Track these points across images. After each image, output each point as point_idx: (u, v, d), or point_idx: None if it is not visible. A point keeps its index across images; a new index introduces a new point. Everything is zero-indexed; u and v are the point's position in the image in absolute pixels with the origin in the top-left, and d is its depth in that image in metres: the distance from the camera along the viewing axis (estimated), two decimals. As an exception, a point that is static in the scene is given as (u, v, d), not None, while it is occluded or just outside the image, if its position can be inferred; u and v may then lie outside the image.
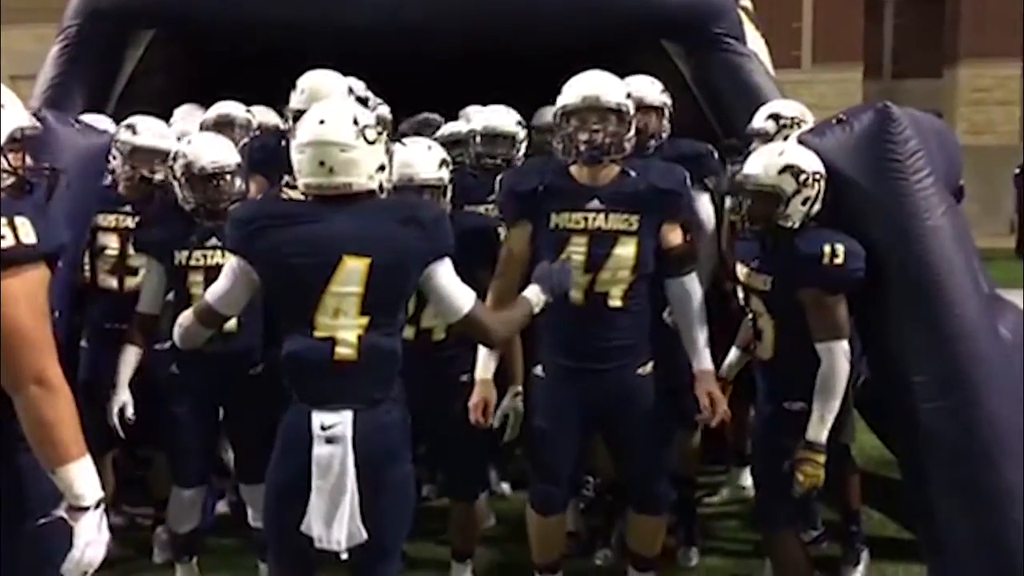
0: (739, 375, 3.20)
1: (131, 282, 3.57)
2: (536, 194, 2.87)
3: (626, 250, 2.83)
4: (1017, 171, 12.41)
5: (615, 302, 2.84)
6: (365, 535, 2.27)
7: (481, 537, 3.69)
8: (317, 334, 2.28)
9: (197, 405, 3.20)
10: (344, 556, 2.27)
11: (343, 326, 2.28)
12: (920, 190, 2.80)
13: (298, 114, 3.34)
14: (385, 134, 2.37)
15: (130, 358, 3.26)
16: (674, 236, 2.92)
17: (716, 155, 3.69)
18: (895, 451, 3.16)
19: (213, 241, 3.17)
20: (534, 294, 2.55)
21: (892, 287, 2.77)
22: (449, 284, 2.37)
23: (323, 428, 2.25)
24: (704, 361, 2.95)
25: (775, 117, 3.58)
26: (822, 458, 2.72)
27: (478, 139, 4.00)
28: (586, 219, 2.83)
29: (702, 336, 2.94)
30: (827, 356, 2.72)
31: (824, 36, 20.21)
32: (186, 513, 3.34)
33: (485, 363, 2.91)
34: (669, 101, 3.60)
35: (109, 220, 3.54)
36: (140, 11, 4.26)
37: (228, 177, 3.16)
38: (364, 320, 2.29)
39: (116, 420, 3.22)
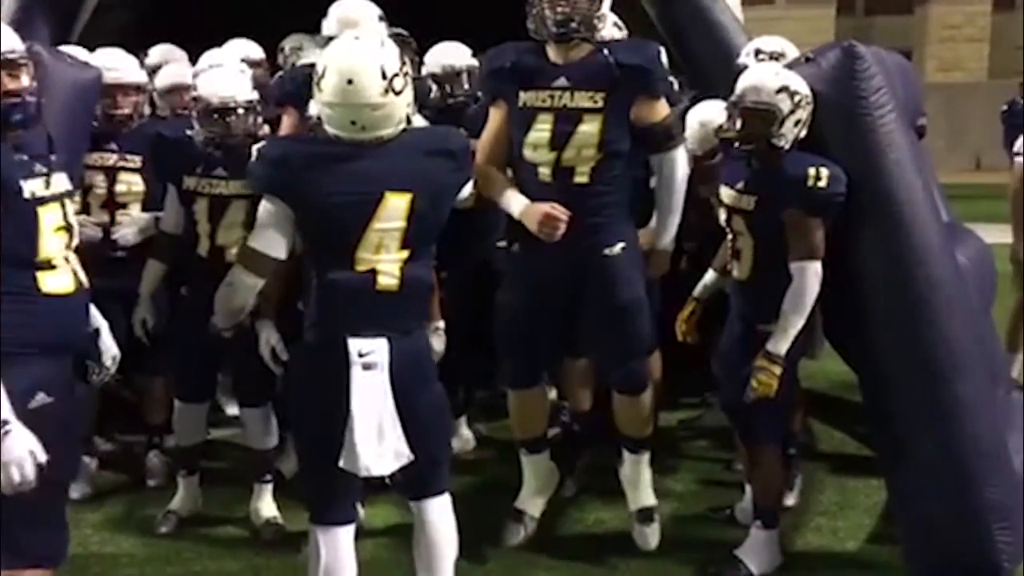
0: (716, 301, 3.31)
1: (122, 216, 3.65)
2: (507, 72, 2.91)
3: (590, 127, 2.82)
4: (1004, 108, 12.55)
5: (581, 179, 2.86)
6: (410, 455, 2.36)
7: (463, 461, 3.84)
8: (359, 268, 2.33)
9: (203, 327, 3.29)
10: (388, 480, 2.37)
11: (385, 260, 2.34)
12: (883, 125, 2.90)
13: (330, 41, 3.40)
14: (410, 73, 2.36)
15: (154, 272, 3.41)
16: (652, 112, 2.90)
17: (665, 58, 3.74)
18: (857, 371, 3.33)
19: (219, 171, 3.25)
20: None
21: (856, 216, 2.89)
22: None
23: (360, 355, 2.31)
24: (663, 238, 3.04)
25: (757, 52, 3.66)
26: (778, 369, 2.85)
27: (438, 80, 3.90)
28: (552, 97, 2.85)
29: (676, 212, 3.01)
30: (799, 275, 2.85)
31: (798, -28, 20.14)
32: (191, 426, 3.46)
33: (517, 200, 2.90)
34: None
35: (94, 158, 3.58)
36: (104, -59, 4.18)
37: (239, 112, 3.20)
38: (405, 254, 2.35)
39: (140, 331, 3.39)
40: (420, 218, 2.35)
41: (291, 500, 3.47)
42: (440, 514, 2.57)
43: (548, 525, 3.38)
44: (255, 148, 2.64)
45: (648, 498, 3.23)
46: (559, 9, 2.80)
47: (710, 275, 3.37)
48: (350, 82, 2.28)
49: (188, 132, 3.30)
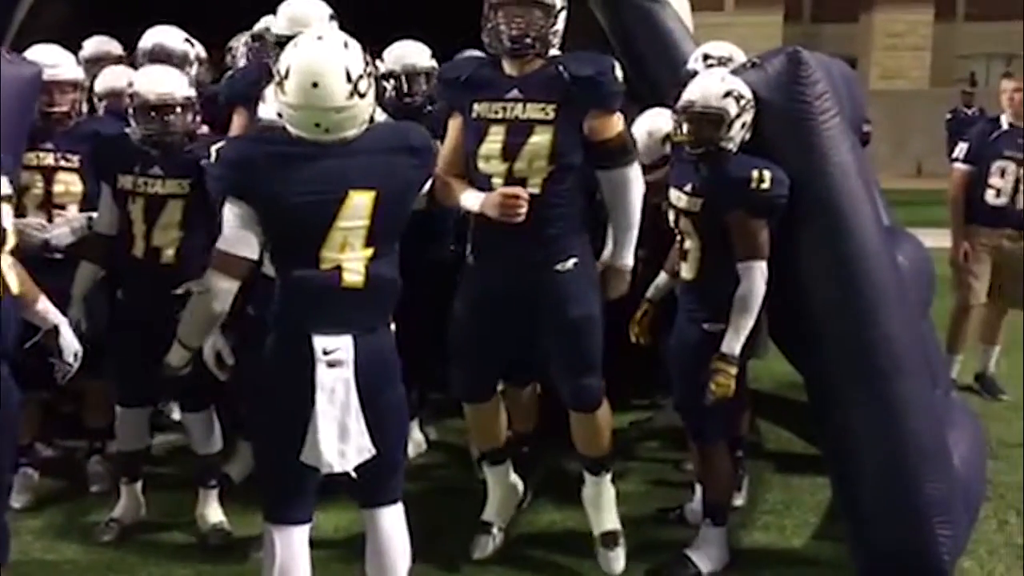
0: (668, 304, 3.34)
1: (59, 217, 3.56)
2: (461, 84, 2.91)
3: (542, 139, 2.82)
4: (949, 116, 12.88)
5: (533, 189, 2.83)
6: (374, 450, 2.36)
7: (413, 465, 3.81)
8: (323, 267, 2.32)
9: (141, 330, 3.23)
10: (353, 474, 2.35)
11: (349, 258, 2.33)
12: (827, 129, 2.97)
13: (280, 40, 3.31)
14: (373, 76, 2.35)
15: (86, 274, 3.31)
16: (605, 126, 2.87)
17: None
18: (800, 371, 3.39)
19: (155, 170, 3.20)
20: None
21: (799, 217, 2.95)
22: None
23: (325, 352, 2.30)
24: (621, 257, 2.96)
25: (705, 56, 3.72)
26: (734, 370, 2.92)
27: (397, 79, 3.93)
28: (504, 108, 2.85)
29: (631, 231, 2.95)
30: (746, 275, 2.92)
31: (746, -21, 20.47)
32: (132, 432, 3.40)
33: (475, 195, 2.87)
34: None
35: (30, 158, 3.48)
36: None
37: (177, 110, 3.16)
38: (369, 251, 2.35)
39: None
40: (384, 215, 2.35)
41: (238, 505, 3.44)
42: (393, 523, 2.54)
43: (501, 528, 3.38)
44: (213, 149, 2.59)
45: (611, 522, 3.18)
46: (515, 24, 2.81)
47: (662, 277, 3.42)
48: (315, 85, 2.26)
49: (127, 130, 3.24)
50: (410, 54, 3.95)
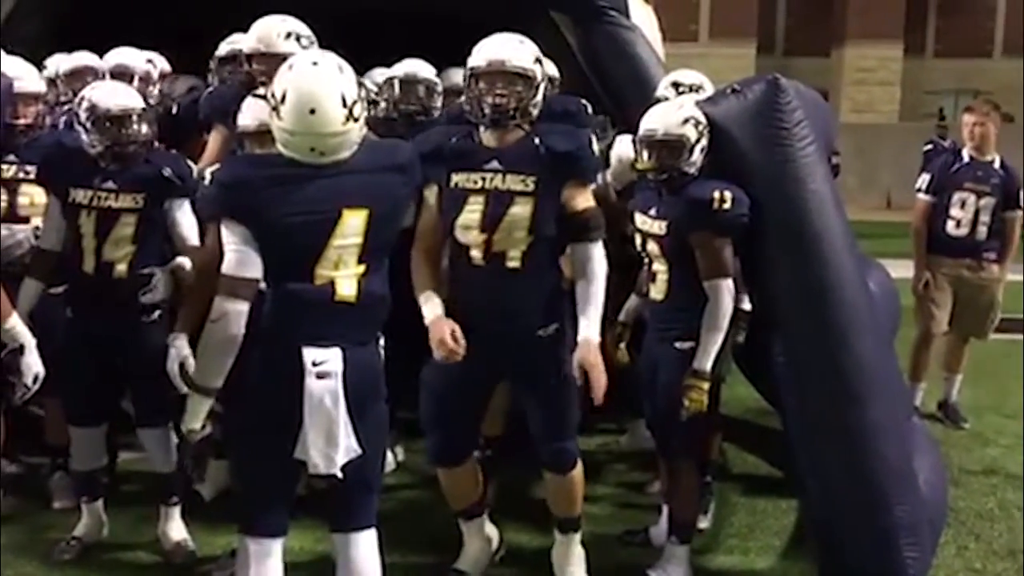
0: (640, 324, 3.38)
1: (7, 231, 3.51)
2: (439, 154, 2.90)
3: (522, 210, 2.82)
4: (928, 148, 13.11)
5: (513, 263, 2.84)
6: (360, 449, 2.38)
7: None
8: (317, 283, 2.35)
9: (92, 348, 3.20)
10: (340, 475, 2.37)
11: (343, 275, 2.36)
12: (804, 156, 3.04)
13: (250, 58, 3.41)
14: (365, 99, 2.40)
15: (30, 291, 3.19)
16: (578, 200, 2.87)
17: (590, 110, 3.72)
18: (769, 399, 3.42)
19: (110, 184, 3.17)
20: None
21: (775, 243, 3.02)
22: None
23: (314, 364, 2.32)
24: (589, 329, 2.84)
25: (675, 84, 3.79)
26: (706, 385, 2.99)
27: (396, 86, 4.07)
28: (484, 179, 2.85)
29: (595, 305, 2.86)
30: (713, 292, 3.00)
31: (721, 12, 20.82)
32: (87, 451, 3.34)
33: (432, 307, 2.86)
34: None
35: None
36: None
37: (135, 121, 3.17)
38: (362, 268, 2.38)
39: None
40: (376, 233, 2.38)
41: (203, 524, 3.42)
42: (366, 551, 2.52)
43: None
44: (207, 172, 2.58)
45: None
46: (497, 94, 2.82)
47: (633, 299, 3.48)
48: (312, 111, 2.29)
49: (83, 143, 3.19)
50: (413, 64, 4.10)
